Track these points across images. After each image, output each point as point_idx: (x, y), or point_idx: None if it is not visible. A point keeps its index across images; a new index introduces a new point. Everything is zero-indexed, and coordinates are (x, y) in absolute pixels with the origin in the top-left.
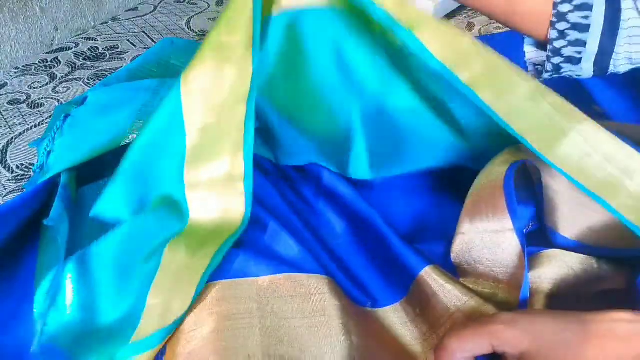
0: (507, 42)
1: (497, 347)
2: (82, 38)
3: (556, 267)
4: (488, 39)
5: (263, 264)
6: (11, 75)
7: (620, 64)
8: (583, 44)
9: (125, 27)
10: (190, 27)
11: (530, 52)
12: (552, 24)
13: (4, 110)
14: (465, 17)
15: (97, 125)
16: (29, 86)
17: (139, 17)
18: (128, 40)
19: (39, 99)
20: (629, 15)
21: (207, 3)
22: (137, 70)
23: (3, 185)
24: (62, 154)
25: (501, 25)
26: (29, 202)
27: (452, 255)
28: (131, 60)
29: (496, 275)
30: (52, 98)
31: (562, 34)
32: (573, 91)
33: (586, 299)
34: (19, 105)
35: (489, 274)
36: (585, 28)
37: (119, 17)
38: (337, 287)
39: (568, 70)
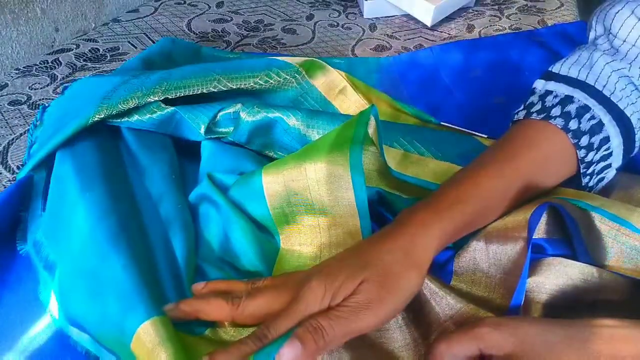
0: (508, 44)
1: (483, 349)
2: (82, 39)
3: (555, 277)
4: (490, 41)
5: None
6: (12, 76)
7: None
8: (609, 166)
9: (126, 28)
10: (191, 28)
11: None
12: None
13: (4, 111)
14: (465, 19)
15: (67, 109)
16: (29, 87)
17: (139, 18)
18: (129, 42)
19: (40, 100)
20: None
21: (208, 5)
22: (138, 63)
23: (4, 185)
24: (42, 142)
25: (501, 28)
26: (9, 198)
27: (455, 263)
28: None
29: (494, 281)
30: (52, 99)
31: (588, 165)
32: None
33: (583, 308)
34: (19, 106)
35: (488, 278)
36: (608, 156)
37: (119, 18)
38: None
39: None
